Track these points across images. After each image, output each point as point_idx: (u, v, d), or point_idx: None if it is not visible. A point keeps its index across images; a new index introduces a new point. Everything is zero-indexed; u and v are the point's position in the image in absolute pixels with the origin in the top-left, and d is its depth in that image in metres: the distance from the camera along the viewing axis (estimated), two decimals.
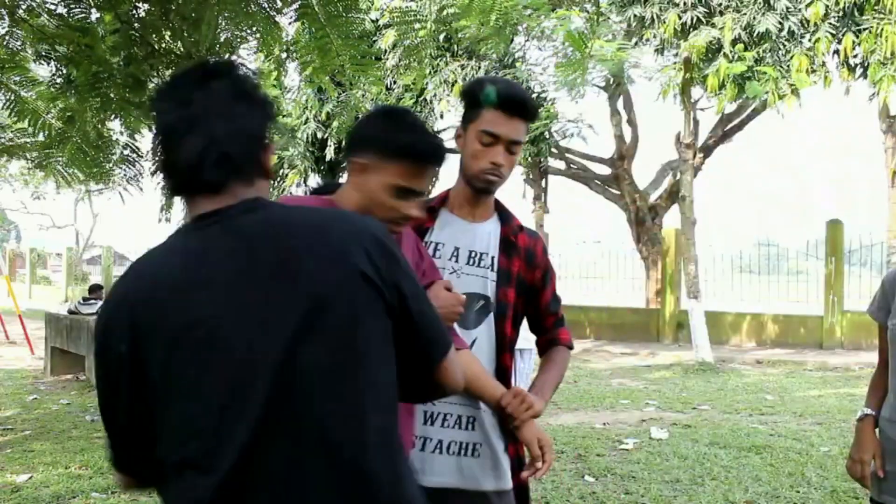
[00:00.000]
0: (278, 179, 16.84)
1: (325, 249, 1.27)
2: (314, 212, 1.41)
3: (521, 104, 2.03)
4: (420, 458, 1.96)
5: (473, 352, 2.00)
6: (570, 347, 2.21)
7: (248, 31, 4.46)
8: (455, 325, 1.94)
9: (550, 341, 2.19)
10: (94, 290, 11.60)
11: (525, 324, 2.20)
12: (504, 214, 2.14)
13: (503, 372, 2.08)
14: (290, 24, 4.71)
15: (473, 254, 2.07)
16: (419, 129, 1.77)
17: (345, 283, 1.25)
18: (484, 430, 2.01)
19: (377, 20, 11.99)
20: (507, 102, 2.00)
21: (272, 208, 1.33)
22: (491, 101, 2.00)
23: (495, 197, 2.16)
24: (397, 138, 1.71)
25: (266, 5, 4.24)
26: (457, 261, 2.06)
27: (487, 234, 2.09)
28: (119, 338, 1.26)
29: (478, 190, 2.06)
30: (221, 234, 1.27)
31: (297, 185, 16.65)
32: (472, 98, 2.06)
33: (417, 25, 4.44)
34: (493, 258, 2.07)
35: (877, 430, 2.34)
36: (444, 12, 4.33)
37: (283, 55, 4.88)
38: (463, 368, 1.52)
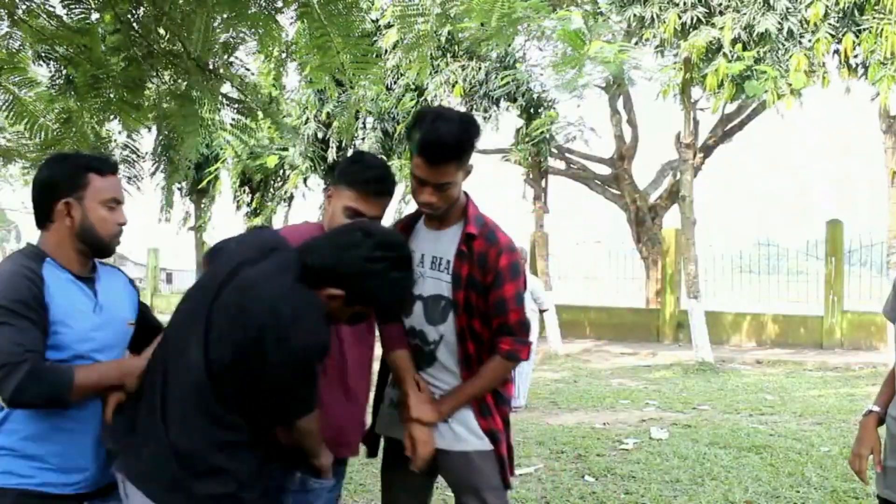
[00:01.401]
0: (279, 180, 16.85)
1: None
2: None
3: (440, 154, 2.13)
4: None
5: (443, 343, 2.30)
6: (512, 358, 2.29)
7: (248, 32, 4.45)
8: (421, 319, 2.30)
9: (492, 347, 2.30)
10: None
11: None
12: (466, 222, 2.31)
13: (468, 358, 2.30)
14: (290, 24, 4.71)
15: (435, 259, 2.31)
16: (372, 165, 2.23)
17: None
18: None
19: (377, 20, 11.98)
20: (427, 152, 2.13)
21: None
22: (415, 150, 2.16)
23: (467, 201, 2.34)
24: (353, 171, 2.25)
25: (266, 5, 4.23)
26: (422, 266, 2.31)
27: (448, 241, 2.31)
28: None
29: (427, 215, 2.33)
30: None
31: (294, 186, 16.65)
32: (408, 134, 2.23)
33: (420, 20, 4.41)
34: (448, 262, 2.29)
35: (883, 426, 2.36)
36: (447, 7, 4.32)
37: (283, 55, 4.88)
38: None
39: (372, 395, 2.48)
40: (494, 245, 2.26)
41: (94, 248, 2.01)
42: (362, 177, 2.22)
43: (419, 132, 2.14)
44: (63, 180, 1.97)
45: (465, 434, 2.30)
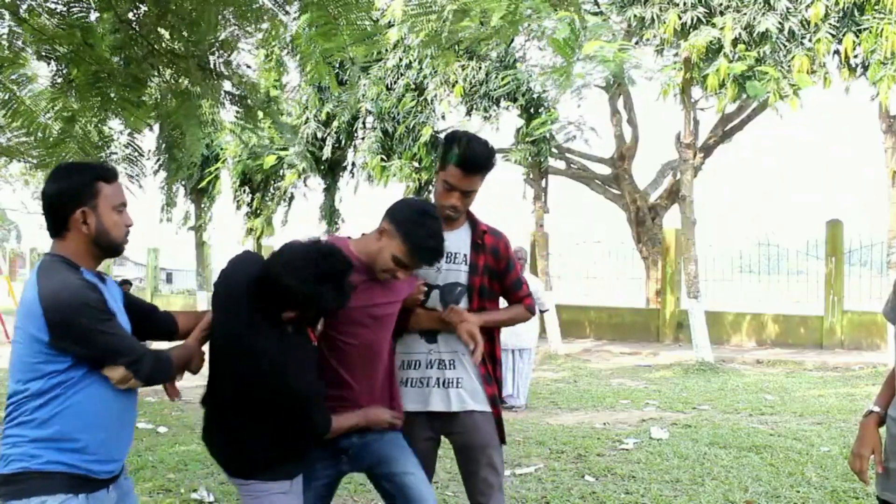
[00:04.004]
0: (279, 180, 16.83)
1: None
2: None
3: (476, 166, 2.71)
4: (421, 392, 2.80)
5: None
6: (530, 311, 2.97)
7: (252, 28, 4.45)
8: (438, 304, 2.80)
9: (514, 303, 2.98)
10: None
11: (520, 327, 3.13)
12: (473, 222, 2.88)
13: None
14: (293, 19, 4.71)
15: (449, 254, 2.78)
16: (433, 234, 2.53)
17: None
18: (465, 368, 2.80)
19: (377, 20, 11.97)
20: (465, 164, 2.68)
21: None
22: (453, 161, 2.69)
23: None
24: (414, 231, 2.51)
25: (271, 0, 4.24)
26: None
27: (459, 237, 2.83)
28: None
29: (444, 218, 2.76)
30: None
31: (294, 186, 16.63)
32: (445, 150, 2.73)
33: (434, 17, 4.40)
34: (465, 255, 2.83)
35: (883, 427, 2.36)
36: (458, 3, 4.30)
37: (285, 52, 4.88)
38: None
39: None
40: (501, 238, 2.90)
41: (109, 250, 2.19)
42: (413, 239, 2.53)
43: (458, 148, 2.67)
44: (76, 191, 2.11)
45: (472, 398, 2.80)
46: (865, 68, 10.41)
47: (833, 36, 10.27)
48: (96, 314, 2.03)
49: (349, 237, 2.74)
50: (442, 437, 2.90)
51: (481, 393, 2.81)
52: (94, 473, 2.10)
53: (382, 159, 13.79)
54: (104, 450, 2.12)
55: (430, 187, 14.41)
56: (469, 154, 2.68)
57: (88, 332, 2.01)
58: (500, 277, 2.88)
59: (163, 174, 15.18)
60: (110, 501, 2.17)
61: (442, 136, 13.59)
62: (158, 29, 4.47)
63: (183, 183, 18.53)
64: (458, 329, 2.72)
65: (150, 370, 2.13)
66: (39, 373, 2.02)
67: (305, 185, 16.95)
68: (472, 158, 2.69)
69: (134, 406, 2.27)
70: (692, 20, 10.74)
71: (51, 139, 4.85)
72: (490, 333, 2.88)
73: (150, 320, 2.40)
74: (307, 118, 14.55)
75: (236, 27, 4.47)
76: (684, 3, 10.83)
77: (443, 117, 13.73)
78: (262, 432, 2.40)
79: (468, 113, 13.30)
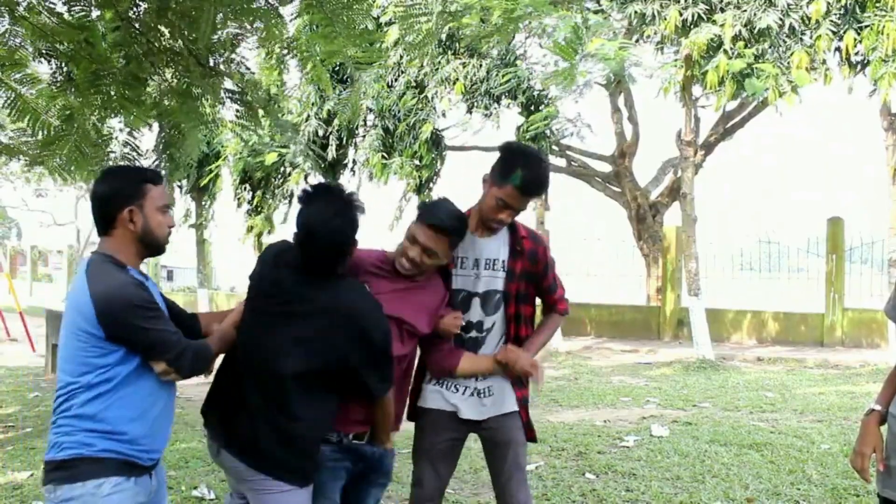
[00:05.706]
0: (280, 178, 16.83)
1: None
2: None
3: (536, 191, 2.77)
4: (453, 397, 2.88)
5: (494, 329, 2.87)
6: (565, 314, 3.07)
7: (251, 27, 4.44)
8: (479, 312, 2.85)
9: (550, 308, 3.06)
10: None
11: None
12: (512, 227, 2.89)
13: (508, 338, 2.90)
14: (290, 20, 4.70)
15: (488, 261, 2.85)
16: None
17: None
18: (495, 376, 2.86)
19: (378, 17, 11.96)
20: (526, 189, 2.71)
21: None
22: (515, 184, 2.69)
23: None
24: None
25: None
26: (476, 268, 2.85)
27: (498, 244, 2.87)
28: None
29: (486, 227, 2.84)
30: None
31: (296, 184, 16.62)
32: (507, 168, 2.71)
33: (423, 19, 4.40)
34: (503, 261, 2.86)
35: (885, 425, 2.36)
36: (448, 4, 4.31)
37: (285, 51, 4.87)
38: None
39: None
40: (541, 243, 2.94)
41: (153, 248, 2.34)
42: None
43: (522, 171, 2.68)
44: (125, 191, 2.27)
45: (502, 404, 2.90)
46: (866, 66, 10.39)
47: (834, 33, 10.25)
48: (144, 312, 2.19)
49: (384, 250, 2.82)
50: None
51: (511, 395, 2.90)
52: (140, 461, 2.26)
53: (383, 157, 13.78)
54: (149, 441, 2.27)
55: (431, 185, 14.40)
56: (532, 178, 2.71)
57: (137, 329, 2.17)
58: (536, 280, 2.93)
59: (162, 172, 15.18)
60: (152, 487, 2.33)
61: (500, 148, 13.42)
62: (159, 27, 4.47)
63: (179, 184, 18.53)
64: (519, 368, 2.79)
65: (190, 366, 2.28)
66: (91, 367, 2.17)
67: (306, 182, 16.93)
68: (535, 183, 2.73)
69: (174, 399, 2.41)
70: (693, 17, 10.71)
71: (49, 137, 4.84)
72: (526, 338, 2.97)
73: (178, 321, 2.46)
74: (308, 116, 14.54)
75: (235, 26, 4.47)
76: (685, 0, 10.81)
77: (443, 115, 13.72)
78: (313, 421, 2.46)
79: (469, 111, 13.29)
